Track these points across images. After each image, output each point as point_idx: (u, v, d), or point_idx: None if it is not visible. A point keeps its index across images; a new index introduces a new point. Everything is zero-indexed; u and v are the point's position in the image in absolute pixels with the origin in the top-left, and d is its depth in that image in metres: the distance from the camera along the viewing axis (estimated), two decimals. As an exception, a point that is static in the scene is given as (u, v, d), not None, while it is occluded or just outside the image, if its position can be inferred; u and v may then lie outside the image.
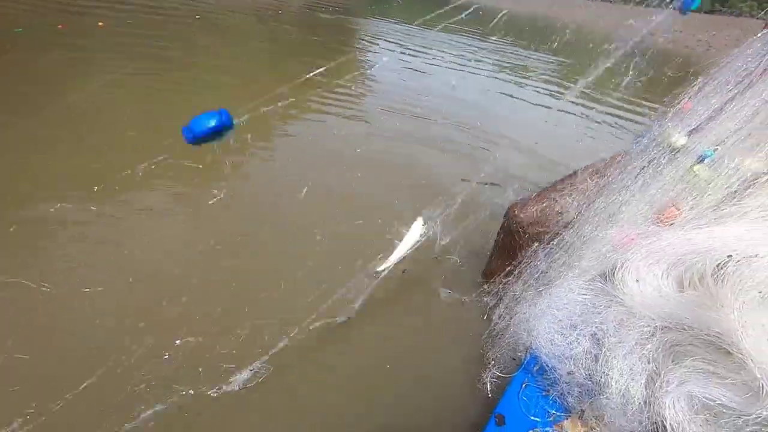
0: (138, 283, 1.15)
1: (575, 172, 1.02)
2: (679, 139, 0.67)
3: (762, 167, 0.65)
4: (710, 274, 0.53)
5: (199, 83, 2.69)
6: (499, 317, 0.73)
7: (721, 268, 0.52)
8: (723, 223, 0.62)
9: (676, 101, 0.72)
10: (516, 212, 0.87)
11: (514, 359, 0.66)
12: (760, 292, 0.48)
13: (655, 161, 0.69)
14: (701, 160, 0.65)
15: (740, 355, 0.44)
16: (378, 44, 5.02)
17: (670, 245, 0.60)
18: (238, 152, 1.96)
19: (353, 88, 3.20)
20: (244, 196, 1.67)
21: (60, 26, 3.32)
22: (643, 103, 3.75)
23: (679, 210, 0.60)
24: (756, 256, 0.52)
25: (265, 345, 0.92)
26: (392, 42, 5.17)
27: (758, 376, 0.41)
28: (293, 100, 2.56)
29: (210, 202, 1.52)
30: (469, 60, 4.92)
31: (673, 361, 0.50)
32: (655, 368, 0.50)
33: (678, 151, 0.67)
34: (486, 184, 1.96)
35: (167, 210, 1.48)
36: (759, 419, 0.40)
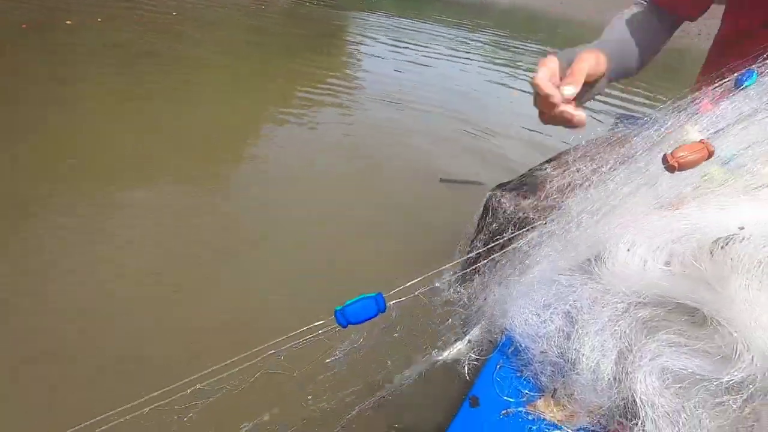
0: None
1: (561, 154, 1.01)
2: (696, 136, 0.65)
3: None
4: (708, 248, 0.51)
5: (187, 86, 2.61)
6: (477, 300, 0.72)
7: (726, 243, 0.50)
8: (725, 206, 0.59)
9: (693, 99, 0.69)
10: (497, 196, 0.86)
11: (491, 341, 0.65)
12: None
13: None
14: (723, 162, 0.62)
15: (720, 320, 0.43)
16: (370, 37, 4.96)
17: (666, 223, 0.59)
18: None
19: (346, 81, 3.16)
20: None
21: (23, 26, 3.20)
22: (633, 89, 3.78)
23: None
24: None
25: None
26: (383, 35, 5.10)
27: (734, 334, 0.40)
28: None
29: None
30: (464, 52, 4.89)
31: (646, 336, 0.49)
32: (627, 344, 0.49)
33: None
34: (468, 182, 1.91)
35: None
36: (730, 383, 0.39)
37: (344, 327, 0.55)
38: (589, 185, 0.75)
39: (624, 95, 3.67)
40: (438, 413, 0.63)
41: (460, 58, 4.51)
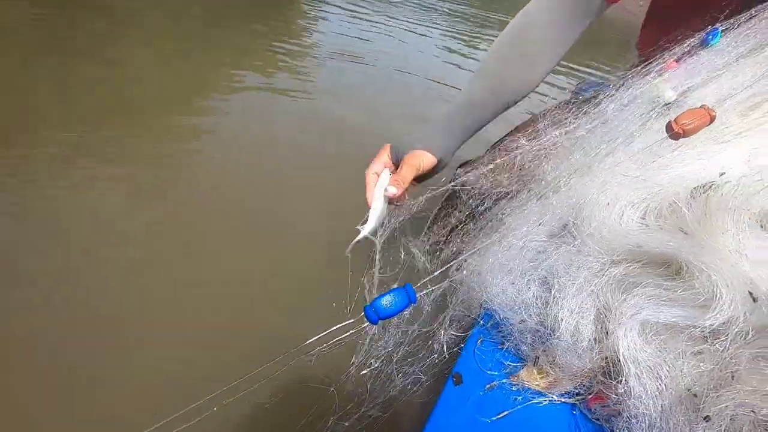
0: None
1: (528, 122, 0.99)
2: (668, 94, 0.64)
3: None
4: (687, 197, 0.50)
5: (119, 64, 2.40)
6: (452, 275, 0.70)
7: (706, 190, 0.49)
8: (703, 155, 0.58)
9: (660, 59, 0.69)
10: (464, 171, 0.84)
11: (470, 316, 0.64)
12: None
13: (644, 115, 0.66)
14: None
15: (698, 265, 0.41)
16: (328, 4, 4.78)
17: (647, 176, 0.57)
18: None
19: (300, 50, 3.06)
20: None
21: None
22: (593, 63, 3.80)
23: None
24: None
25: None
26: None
27: (713, 277, 0.39)
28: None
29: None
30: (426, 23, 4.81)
31: (623, 293, 0.48)
32: (605, 303, 0.47)
33: (668, 106, 0.64)
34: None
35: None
36: (712, 328, 0.38)
37: (375, 323, 0.52)
38: (562, 149, 0.74)
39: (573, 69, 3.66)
40: (423, 394, 0.61)
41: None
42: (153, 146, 1.70)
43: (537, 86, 0.75)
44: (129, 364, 0.92)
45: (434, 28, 4.58)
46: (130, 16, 2.89)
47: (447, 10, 5.49)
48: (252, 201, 1.48)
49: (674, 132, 0.45)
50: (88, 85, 1.98)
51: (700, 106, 0.49)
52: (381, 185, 0.66)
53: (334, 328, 0.52)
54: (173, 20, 3.19)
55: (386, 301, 0.49)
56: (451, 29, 4.77)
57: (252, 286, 1.14)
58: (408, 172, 0.65)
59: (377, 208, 0.65)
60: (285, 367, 0.54)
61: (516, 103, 0.75)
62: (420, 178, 0.70)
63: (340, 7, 4.38)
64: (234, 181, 1.57)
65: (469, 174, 0.84)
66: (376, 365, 0.61)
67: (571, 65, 3.52)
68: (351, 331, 0.53)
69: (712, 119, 0.47)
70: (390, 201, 0.66)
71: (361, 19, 4.12)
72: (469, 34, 4.73)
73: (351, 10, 4.35)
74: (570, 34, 0.72)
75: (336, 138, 2.01)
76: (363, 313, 0.50)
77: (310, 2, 4.43)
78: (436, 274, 0.60)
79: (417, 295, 0.50)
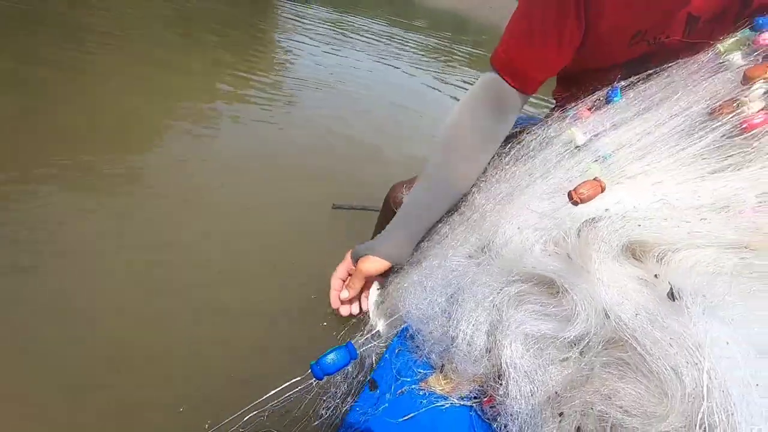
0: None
1: None
2: (579, 138, 0.75)
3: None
4: (578, 227, 0.57)
5: (92, 77, 2.36)
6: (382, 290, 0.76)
7: (592, 222, 0.56)
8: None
9: (574, 106, 0.80)
10: (398, 192, 0.91)
11: (394, 328, 0.69)
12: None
13: (560, 154, 0.75)
14: (599, 159, 0.72)
15: (566, 286, 0.49)
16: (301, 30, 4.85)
17: (553, 208, 0.65)
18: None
19: (270, 76, 3.10)
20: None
21: None
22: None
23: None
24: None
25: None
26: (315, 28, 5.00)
27: (574, 297, 0.46)
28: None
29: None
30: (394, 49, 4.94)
31: (515, 308, 0.55)
32: (498, 318, 0.54)
33: (579, 148, 0.74)
34: (359, 208, 1.80)
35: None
36: (571, 339, 0.45)
37: (320, 379, 0.59)
38: (491, 179, 0.82)
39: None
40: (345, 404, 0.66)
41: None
42: (115, 173, 1.69)
43: (474, 182, 0.81)
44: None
45: (402, 59, 4.75)
46: (101, 43, 2.85)
47: (415, 42, 5.70)
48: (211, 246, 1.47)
49: (573, 200, 0.54)
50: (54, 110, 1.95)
51: (594, 179, 0.58)
52: (372, 296, 0.76)
53: (285, 385, 0.59)
54: (147, 45, 3.16)
55: (330, 358, 0.57)
56: (418, 60, 4.94)
57: (199, 358, 1.12)
58: (356, 281, 0.74)
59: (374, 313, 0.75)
60: (242, 423, 0.60)
61: (458, 199, 0.81)
62: (384, 273, 0.76)
63: (312, 39, 4.49)
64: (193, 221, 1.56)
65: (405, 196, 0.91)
66: (326, 414, 0.65)
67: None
68: (299, 387, 0.60)
69: (603, 189, 0.57)
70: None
71: (330, 53, 4.23)
72: (435, 63, 4.92)
73: (325, 43, 4.47)
74: (497, 130, 0.80)
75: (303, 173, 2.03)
76: (309, 370, 0.57)
77: (281, 34, 4.51)
78: (378, 329, 0.67)
79: (358, 351, 0.58)
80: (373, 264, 0.73)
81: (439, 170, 0.78)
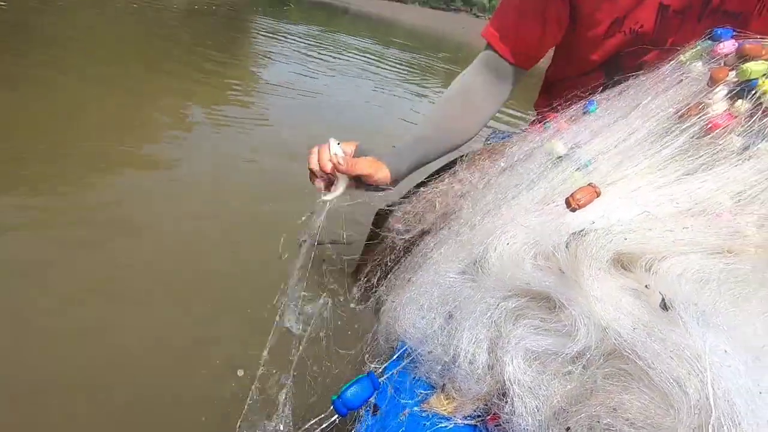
0: None
1: (447, 166, 1.09)
2: (560, 148, 0.77)
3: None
4: (564, 243, 0.58)
5: (68, 105, 2.28)
6: (374, 311, 0.76)
7: (580, 235, 0.57)
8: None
9: (554, 119, 0.83)
10: (385, 217, 0.91)
11: (391, 348, 0.69)
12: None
13: (543, 165, 0.77)
14: (580, 168, 0.74)
15: (563, 301, 0.49)
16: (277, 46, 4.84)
17: (541, 220, 0.66)
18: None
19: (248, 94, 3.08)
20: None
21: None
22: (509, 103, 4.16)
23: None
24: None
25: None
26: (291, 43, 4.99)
27: (573, 312, 0.47)
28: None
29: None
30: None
31: (513, 324, 0.56)
32: (497, 334, 0.55)
33: (560, 158, 0.77)
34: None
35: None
36: (573, 354, 0.46)
37: (344, 416, 0.55)
38: (478, 191, 0.83)
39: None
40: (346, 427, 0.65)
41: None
42: (89, 178, 1.64)
43: (477, 132, 0.94)
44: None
45: (384, 69, 4.82)
46: (75, 49, 2.76)
47: (393, 56, 5.81)
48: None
49: (572, 207, 0.56)
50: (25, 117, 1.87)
51: (588, 184, 0.60)
52: (333, 150, 0.73)
53: (309, 424, 0.56)
54: (120, 54, 3.10)
55: (352, 392, 0.54)
56: (397, 71, 5.03)
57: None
58: (363, 164, 0.75)
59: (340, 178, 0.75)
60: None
61: (458, 146, 0.93)
62: (368, 186, 0.81)
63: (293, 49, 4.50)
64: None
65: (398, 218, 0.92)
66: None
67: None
68: (324, 425, 0.58)
69: (598, 194, 0.59)
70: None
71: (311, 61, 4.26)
72: (412, 73, 5.01)
73: (305, 54, 4.49)
74: (501, 93, 0.93)
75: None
76: (331, 407, 0.54)
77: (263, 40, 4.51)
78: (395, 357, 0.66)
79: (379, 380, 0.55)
80: (381, 168, 0.77)
81: (451, 112, 0.90)
